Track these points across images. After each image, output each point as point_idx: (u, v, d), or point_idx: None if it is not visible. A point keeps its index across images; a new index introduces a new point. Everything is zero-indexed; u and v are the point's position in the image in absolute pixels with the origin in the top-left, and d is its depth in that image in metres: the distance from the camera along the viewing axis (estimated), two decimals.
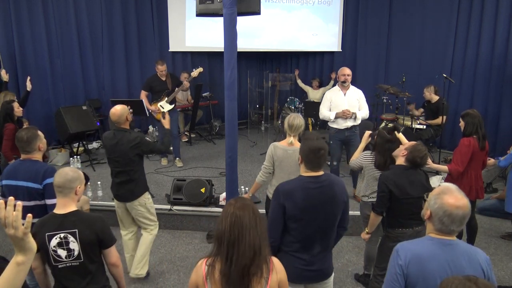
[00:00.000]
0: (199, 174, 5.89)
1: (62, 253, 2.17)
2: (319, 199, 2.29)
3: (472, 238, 4.13)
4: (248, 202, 1.79)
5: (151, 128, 7.82)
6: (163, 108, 6.03)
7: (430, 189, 2.97)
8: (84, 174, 3.75)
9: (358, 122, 4.91)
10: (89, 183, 4.86)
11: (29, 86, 5.18)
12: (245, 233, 1.66)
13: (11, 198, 1.22)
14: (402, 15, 7.71)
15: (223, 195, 4.67)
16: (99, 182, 5.05)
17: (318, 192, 2.29)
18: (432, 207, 1.80)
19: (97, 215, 2.35)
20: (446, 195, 1.77)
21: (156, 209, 4.28)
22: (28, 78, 5.28)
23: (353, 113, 4.81)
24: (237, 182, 4.34)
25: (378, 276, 3.07)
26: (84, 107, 6.65)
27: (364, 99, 4.97)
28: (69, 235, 2.16)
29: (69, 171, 2.27)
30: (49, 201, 2.73)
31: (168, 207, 4.69)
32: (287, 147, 3.36)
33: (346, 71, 4.88)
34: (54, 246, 2.16)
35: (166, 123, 3.85)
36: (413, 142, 3.06)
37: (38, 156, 2.85)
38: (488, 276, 1.76)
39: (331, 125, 5.00)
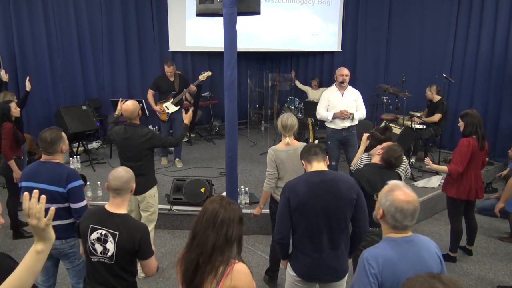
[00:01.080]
0: (199, 174, 5.89)
1: (99, 248, 2.21)
2: (321, 193, 2.32)
3: (472, 238, 4.13)
4: (219, 203, 1.77)
5: (150, 128, 7.82)
6: (168, 109, 6.01)
7: None
8: (82, 176, 3.78)
9: (356, 122, 4.91)
10: (88, 183, 4.87)
11: (28, 86, 5.17)
12: (201, 230, 1.70)
13: (36, 191, 1.29)
14: (402, 15, 7.71)
15: (223, 195, 4.67)
16: (99, 182, 5.05)
17: (320, 186, 2.33)
18: (383, 205, 1.82)
19: (142, 225, 2.32)
20: (396, 191, 1.80)
21: None
22: (28, 78, 5.27)
23: (350, 113, 4.81)
24: (237, 182, 4.34)
25: None
26: (84, 107, 6.66)
27: (361, 100, 4.97)
28: (109, 235, 2.20)
29: (124, 173, 2.29)
30: (74, 205, 2.70)
31: (168, 207, 4.70)
32: (287, 148, 3.34)
33: (344, 71, 4.87)
34: (93, 239, 2.21)
35: (186, 117, 3.86)
36: (390, 143, 3.07)
37: (59, 158, 2.79)
38: (442, 261, 1.84)
39: (328, 125, 5.00)
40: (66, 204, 2.69)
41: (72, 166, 5.98)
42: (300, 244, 2.40)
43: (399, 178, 3.02)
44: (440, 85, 6.34)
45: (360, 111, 4.90)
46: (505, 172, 4.73)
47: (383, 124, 6.67)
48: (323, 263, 2.38)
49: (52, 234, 1.35)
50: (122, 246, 2.18)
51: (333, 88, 5.00)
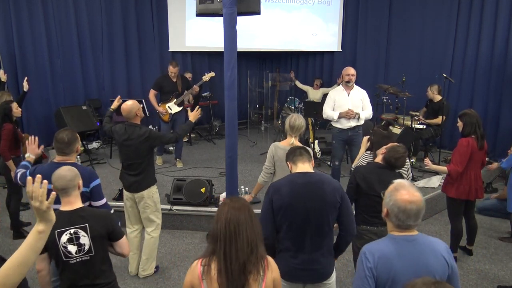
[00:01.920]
0: (199, 174, 5.89)
1: (73, 248, 2.22)
2: (306, 195, 2.31)
3: (472, 238, 4.13)
4: (243, 201, 1.81)
5: (150, 127, 7.82)
6: (170, 109, 6.01)
7: None
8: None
9: (362, 122, 4.90)
10: None
11: (26, 86, 5.16)
12: (242, 229, 1.69)
13: (39, 175, 1.43)
14: (402, 15, 7.71)
15: (223, 195, 4.67)
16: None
17: (304, 187, 2.32)
18: (387, 205, 1.82)
19: (104, 210, 2.44)
20: (399, 191, 1.80)
21: None
22: (25, 78, 5.26)
23: (356, 113, 4.81)
24: (237, 182, 4.33)
25: None
26: (84, 107, 6.66)
27: (368, 99, 4.96)
28: (79, 230, 2.21)
29: (66, 171, 2.29)
30: (96, 203, 2.74)
31: (168, 207, 4.69)
32: (288, 147, 3.35)
33: (351, 71, 4.87)
34: (64, 243, 2.20)
35: (193, 116, 3.82)
36: (395, 144, 3.06)
37: (73, 158, 2.82)
38: (451, 265, 1.79)
39: (334, 124, 4.99)
40: (86, 204, 2.69)
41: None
42: (283, 244, 2.39)
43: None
44: (440, 85, 6.33)
45: (366, 111, 4.89)
46: (494, 166, 4.67)
47: (383, 123, 6.69)
48: (305, 265, 2.36)
49: (52, 215, 1.48)
50: (95, 233, 2.23)
51: (340, 88, 5.00)
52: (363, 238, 2.94)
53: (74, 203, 2.28)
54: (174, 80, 5.99)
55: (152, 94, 5.98)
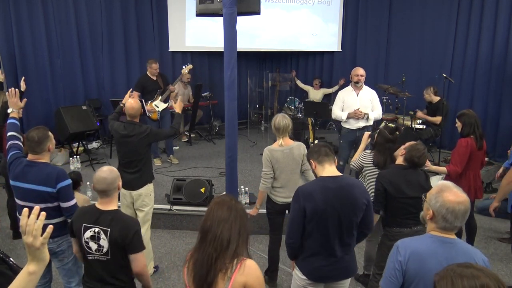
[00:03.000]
0: (199, 174, 5.89)
1: (93, 246, 2.25)
2: (338, 199, 2.29)
3: (472, 238, 4.13)
4: (227, 199, 1.80)
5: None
6: (157, 107, 6.04)
7: (428, 189, 2.97)
8: (78, 174, 3.77)
9: (371, 122, 4.90)
10: (88, 183, 4.87)
11: (23, 86, 5.14)
12: (214, 225, 1.71)
13: (37, 207, 1.25)
14: (402, 15, 7.71)
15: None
16: None
17: (337, 192, 2.30)
18: (433, 207, 1.80)
19: (134, 219, 2.39)
20: (446, 192, 1.79)
21: (156, 209, 4.30)
22: (23, 78, 5.24)
23: (365, 113, 4.80)
24: (237, 182, 4.35)
25: (377, 275, 3.07)
26: (84, 107, 6.66)
27: (378, 100, 4.95)
28: (101, 232, 2.24)
29: (107, 174, 2.30)
30: (64, 205, 2.71)
31: (168, 207, 4.70)
32: (282, 148, 3.33)
33: (360, 71, 4.87)
34: (87, 238, 2.25)
35: (177, 107, 3.84)
36: (413, 142, 3.06)
37: (46, 157, 2.78)
38: None
39: (343, 125, 5.00)
40: (55, 203, 2.70)
41: (72, 166, 5.99)
42: (312, 248, 2.37)
43: (426, 178, 3.00)
44: (440, 85, 6.33)
45: (375, 111, 4.88)
46: (500, 171, 4.70)
47: (382, 124, 6.68)
48: (334, 265, 2.38)
49: (46, 254, 1.29)
50: (114, 241, 2.22)
51: (349, 88, 5.01)
52: (396, 240, 2.93)
53: (109, 204, 2.32)
54: (154, 78, 6.05)
55: (137, 96, 5.97)
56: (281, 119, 3.35)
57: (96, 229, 2.24)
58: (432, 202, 1.82)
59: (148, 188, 3.65)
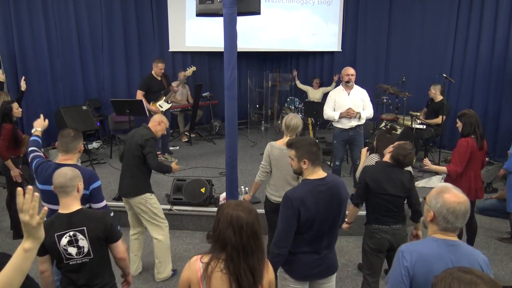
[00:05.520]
0: (199, 174, 5.88)
1: (73, 250, 2.21)
2: (328, 202, 2.30)
3: (472, 238, 4.12)
4: (251, 207, 1.77)
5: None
6: (161, 107, 6.04)
7: (411, 189, 2.98)
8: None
9: (363, 121, 4.90)
10: None
11: (23, 86, 5.15)
12: (256, 239, 1.71)
13: (30, 187, 1.28)
14: (402, 15, 7.71)
15: (223, 195, 4.67)
16: None
17: (326, 194, 2.30)
18: (434, 208, 1.81)
19: (102, 212, 2.43)
20: (445, 193, 1.80)
21: None
22: (23, 78, 5.24)
23: (357, 112, 4.81)
24: (237, 182, 4.34)
25: (367, 275, 3.06)
26: (84, 107, 6.65)
27: (368, 99, 4.97)
28: (78, 233, 2.20)
29: (68, 170, 2.30)
30: (95, 206, 2.71)
31: (168, 207, 4.69)
32: (283, 147, 3.35)
33: (350, 71, 4.87)
34: (64, 245, 2.20)
35: (176, 168, 3.80)
36: (402, 142, 3.08)
37: (75, 159, 2.78)
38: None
39: (335, 125, 4.99)
40: (86, 205, 2.67)
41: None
42: (301, 248, 2.35)
43: (410, 177, 3.00)
44: (442, 86, 6.33)
45: (367, 110, 4.89)
46: (501, 172, 4.71)
47: (383, 124, 6.69)
48: (318, 263, 2.39)
49: (42, 232, 1.33)
50: (95, 237, 2.22)
51: (340, 88, 5.00)
52: (374, 237, 2.95)
53: (72, 205, 2.26)
54: (159, 78, 6.04)
55: (140, 95, 5.97)
56: (293, 118, 3.42)
57: (71, 233, 2.19)
58: (432, 204, 1.82)
59: (141, 199, 3.55)
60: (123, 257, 2.39)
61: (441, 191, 1.82)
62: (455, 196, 1.78)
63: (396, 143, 3.06)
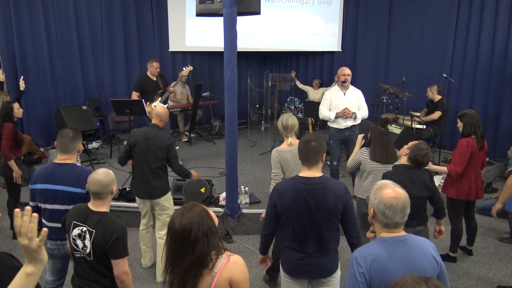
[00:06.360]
0: (199, 174, 5.87)
1: (80, 244, 2.26)
2: (306, 200, 2.32)
3: (472, 238, 4.13)
4: (183, 212, 1.87)
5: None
6: None
7: (433, 188, 2.98)
8: None
9: (358, 121, 4.91)
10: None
11: (22, 86, 5.13)
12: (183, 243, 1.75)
13: (28, 207, 1.23)
14: (402, 15, 7.71)
15: (223, 195, 4.67)
16: None
17: (307, 193, 2.33)
18: (373, 204, 1.83)
19: (120, 224, 2.29)
20: (383, 189, 1.82)
21: None
22: (22, 77, 5.22)
23: (353, 112, 4.82)
24: (237, 182, 4.34)
25: None
26: (84, 107, 6.65)
27: (363, 99, 4.97)
28: (87, 232, 2.24)
29: (102, 177, 2.28)
30: None
31: None
32: (291, 148, 3.33)
33: (346, 71, 4.88)
34: (74, 235, 2.26)
35: (196, 175, 3.95)
36: (416, 142, 3.06)
37: (74, 159, 2.79)
38: (440, 263, 1.81)
39: (331, 125, 5.00)
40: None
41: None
42: (289, 242, 2.46)
43: (430, 177, 2.99)
44: (440, 85, 6.34)
45: (362, 110, 4.90)
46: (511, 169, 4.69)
47: (383, 120, 6.68)
48: (308, 262, 2.41)
49: (44, 255, 1.26)
50: (96, 243, 2.22)
51: (335, 88, 5.01)
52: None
53: (101, 206, 2.31)
54: (154, 79, 5.97)
55: (136, 96, 5.91)
56: (288, 118, 3.41)
57: (84, 228, 2.25)
58: (372, 200, 1.84)
59: (168, 195, 3.72)
60: (120, 278, 2.24)
61: (379, 188, 1.85)
62: (392, 192, 1.80)
63: (411, 143, 3.04)
